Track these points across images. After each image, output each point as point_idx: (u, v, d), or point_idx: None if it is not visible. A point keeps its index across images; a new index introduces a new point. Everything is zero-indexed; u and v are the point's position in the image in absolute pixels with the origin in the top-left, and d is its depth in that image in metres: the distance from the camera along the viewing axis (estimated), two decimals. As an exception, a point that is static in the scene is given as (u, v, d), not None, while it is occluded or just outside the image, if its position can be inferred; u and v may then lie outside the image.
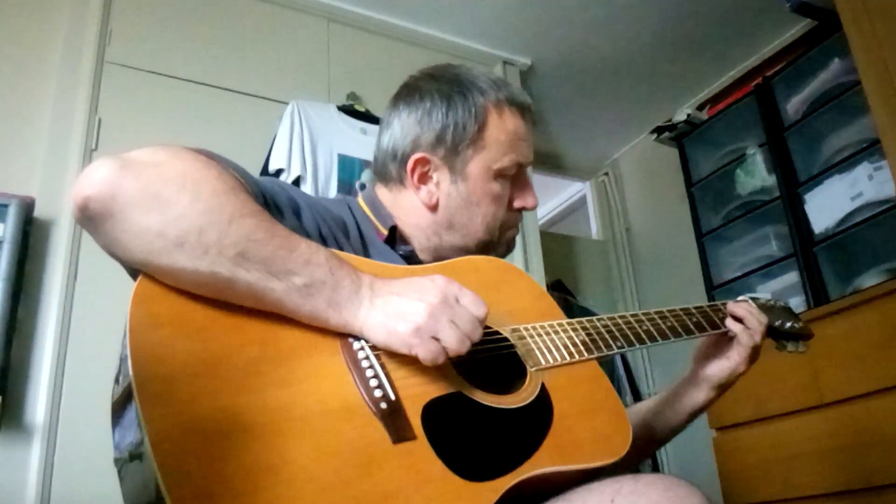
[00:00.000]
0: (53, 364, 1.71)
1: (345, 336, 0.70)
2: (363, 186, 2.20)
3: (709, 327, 0.98)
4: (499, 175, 0.94)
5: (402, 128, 0.96)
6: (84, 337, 1.76)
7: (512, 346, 0.80)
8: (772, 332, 1.04)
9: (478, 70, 0.99)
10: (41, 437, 1.65)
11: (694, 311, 0.99)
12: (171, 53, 2.16)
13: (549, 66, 2.94)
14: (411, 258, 0.95)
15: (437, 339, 0.67)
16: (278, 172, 2.09)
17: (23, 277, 1.75)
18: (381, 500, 0.59)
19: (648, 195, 3.54)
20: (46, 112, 1.96)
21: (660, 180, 3.38)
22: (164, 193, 0.63)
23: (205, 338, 0.63)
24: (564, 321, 0.87)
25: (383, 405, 0.65)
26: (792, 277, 2.42)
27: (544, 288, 1.05)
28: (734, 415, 2.15)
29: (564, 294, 3.18)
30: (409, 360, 0.69)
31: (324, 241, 0.83)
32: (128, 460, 0.60)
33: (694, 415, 1.02)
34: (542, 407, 0.75)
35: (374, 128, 2.21)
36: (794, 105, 2.48)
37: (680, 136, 2.94)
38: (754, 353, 0.99)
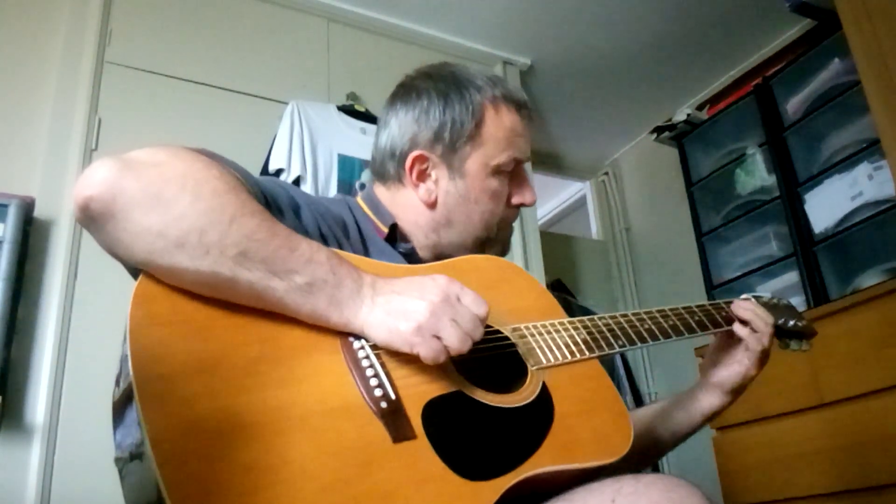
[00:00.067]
0: (53, 364, 1.71)
1: (345, 335, 0.70)
2: (363, 186, 2.20)
3: (711, 326, 0.97)
4: (497, 171, 0.95)
5: (400, 126, 0.96)
6: (84, 337, 1.76)
7: (513, 344, 0.80)
8: (775, 330, 1.03)
9: (474, 68, 1.00)
10: (41, 437, 1.65)
11: (696, 309, 0.98)
12: (171, 53, 2.16)
13: (549, 65, 2.94)
14: (412, 256, 0.95)
15: (438, 338, 0.67)
16: (278, 172, 2.09)
17: (23, 277, 1.75)
18: (381, 500, 0.59)
19: (648, 195, 3.54)
20: (46, 112, 1.96)
21: (660, 180, 3.38)
22: (164, 193, 0.63)
23: (205, 337, 0.63)
24: (566, 320, 0.86)
25: (383, 404, 0.65)
26: (792, 277, 2.42)
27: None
28: (734, 415, 2.14)
29: (564, 294, 3.17)
30: (409, 360, 0.69)
31: (324, 241, 0.83)
32: (129, 460, 0.60)
33: (708, 418, 1.01)
34: (542, 406, 0.75)
35: (373, 128, 2.18)
36: (793, 105, 2.48)
37: (680, 135, 2.93)
38: (764, 356, 0.98)
